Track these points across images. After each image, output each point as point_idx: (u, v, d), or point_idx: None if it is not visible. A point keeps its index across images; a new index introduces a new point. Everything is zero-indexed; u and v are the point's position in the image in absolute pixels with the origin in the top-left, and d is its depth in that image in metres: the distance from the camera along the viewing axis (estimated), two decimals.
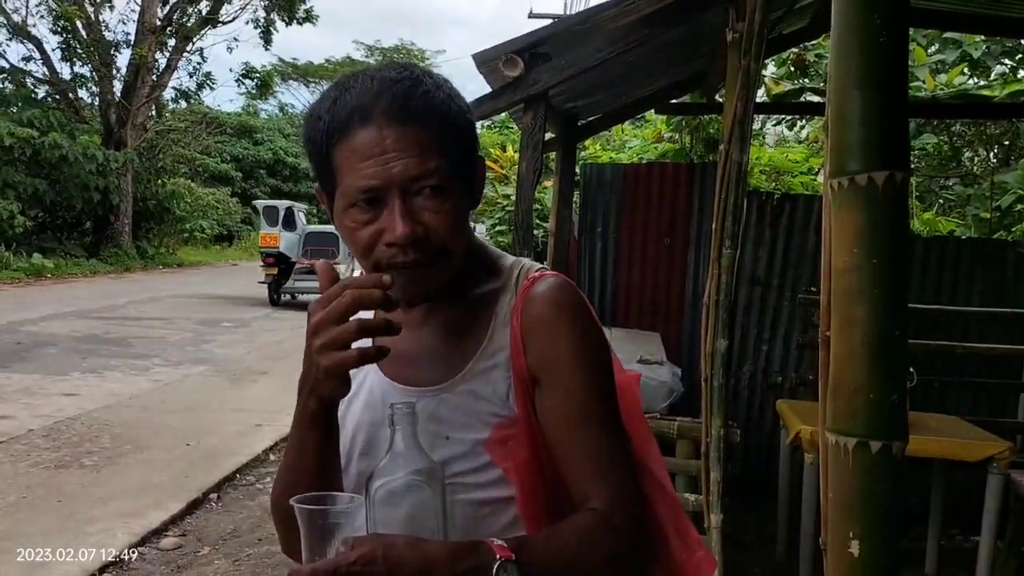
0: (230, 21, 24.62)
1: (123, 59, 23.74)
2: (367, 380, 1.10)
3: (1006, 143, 7.05)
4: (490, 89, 3.27)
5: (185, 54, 24.50)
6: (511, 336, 1.04)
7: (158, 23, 23.33)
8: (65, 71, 23.40)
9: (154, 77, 23.85)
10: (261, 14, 24.49)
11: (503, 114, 4.77)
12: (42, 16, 22.88)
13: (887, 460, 0.81)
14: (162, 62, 24.11)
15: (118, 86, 23.50)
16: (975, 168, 7.66)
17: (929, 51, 6.36)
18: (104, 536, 4.09)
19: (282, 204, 17.04)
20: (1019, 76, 6.36)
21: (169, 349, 9.88)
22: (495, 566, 0.87)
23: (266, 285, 15.51)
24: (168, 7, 23.60)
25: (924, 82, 5.95)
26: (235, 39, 27.06)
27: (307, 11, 24.74)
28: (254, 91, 26.70)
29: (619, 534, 0.98)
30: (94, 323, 11.61)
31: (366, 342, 0.92)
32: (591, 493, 1.00)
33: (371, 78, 0.99)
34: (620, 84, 4.60)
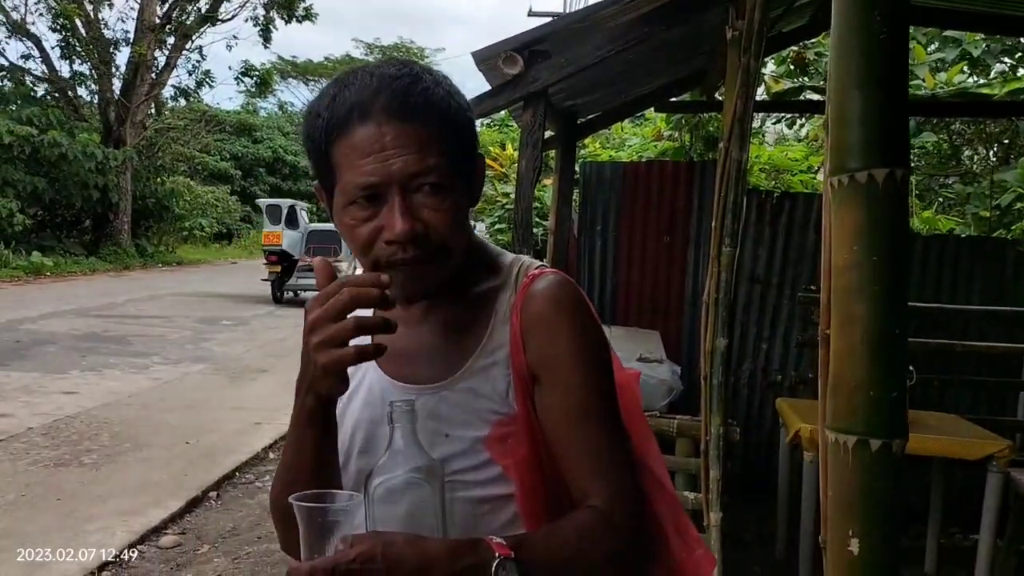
0: (229, 19, 24.63)
1: (122, 57, 23.77)
2: (366, 378, 1.10)
3: (1006, 141, 7.06)
4: (489, 87, 3.26)
5: (184, 52, 24.49)
6: (511, 333, 1.04)
7: (157, 21, 23.31)
8: (64, 69, 23.43)
9: (153, 75, 23.83)
10: (260, 12, 24.48)
11: (503, 112, 4.77)
12: (41, 14, 22.89)
13: (887, 458, 0.81)
14: (161, 60, 24.10)
15: (117, 84, 23.48)
16: (975, 166, 7.66)
17: (929, 49, 6.35)
18: (103, 534, 4.09)
19: (285, 203, 17.20)
20: (1019, 74, 6.36)
21: (168, 347, 9.87)
22: (494, 564, 0.87)
23: (269, 283, 15.71)
24: (167, 5, 23.58)
25: (924, 80, 5.95)
26: (234, 37, 27.20)
27: (306, 9, 24.71)
28: (253, 89, 26.69)
29: (618, 532, 0.98)
30: (93, 321, 11.60)
31: (364, 340, 0.92)
32: (591, 491, 1.00)
33: (370, 75, 0.99)
34: (620, 82, 4.60)
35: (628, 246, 5.25)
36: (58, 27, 22.54)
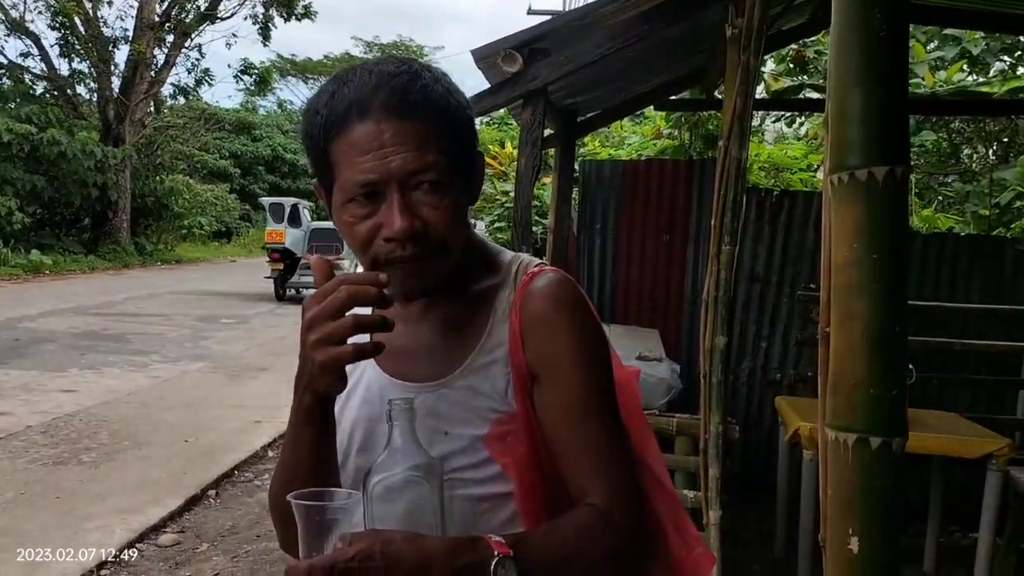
0: (228, 17, 24.61)
1: (121, 55, 23.77)
2: (365, 376, 1.09)
3: (1005, 140, 7.05)
4: (489, 85, 3.26)
5: (183, 50, 24.48)
6: (510, 331, 1.04)
7: (156, 19, 23.30)
8: (63, 67, 23.44)
9: (152, 73, 23.82)
10: (260, 10, 24.47)
11: (502, 110, 4.77)
12: (40, 12, 22.90)
13: (887, 456, 0.81)
14: (160, 58, 24.09)
15: (116, 82, 23.48)
16: (974, 165, 7.66)
17: (928, 48, 6.35)
18: (102, 533, 4.09)
19: (288, 201, 17.43)
20: (1018, 73, 6.36)
21: (168, 345, 9.87)
22: (493, 562, 0.86)
23: (272, 280, 15.98)
24: (167, 3, 23.58)
25: (923, 79, 5.95)
26: (234, 35, 27.19)
27: (305, 7, 24.69)
28: (252, 87, 26.69)
29: (618, 530, 0.98)
30: (92, 319, 11.60)
31: (362, 337, 0.91)
32: (590, 489, 1.00)
33: (369, 72, 0.99)
34: (619, 80, 4.59)
35: (627, 244, 5.25)
36: (57, 25, 22.54)
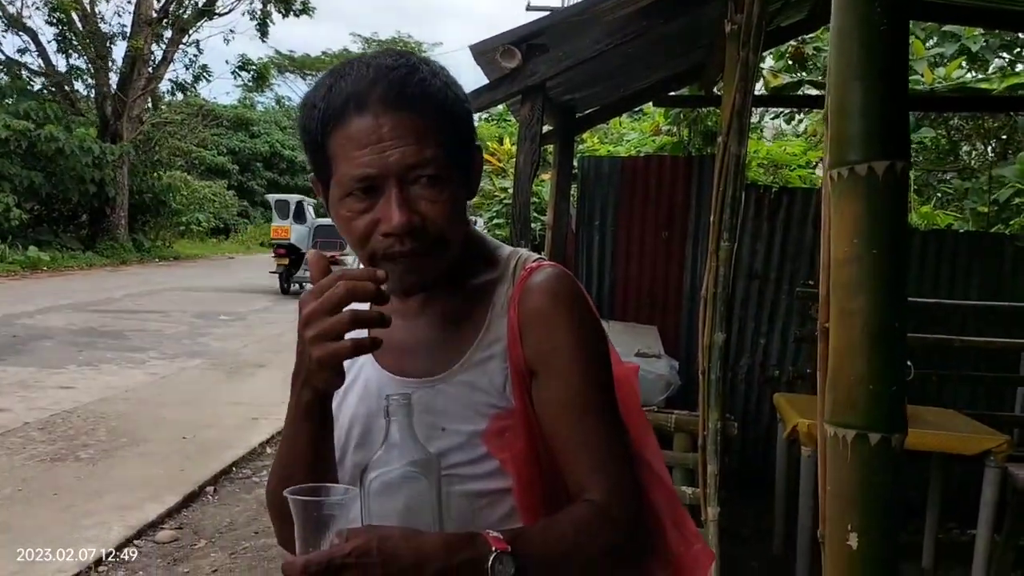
0: (226, 13, 24.60)
1: (119, 51, 23.74)
2: (362, 371, 1.09)
3: (1004, 137, 7.05)
4: (487, 81, 3.25)
5: (181, 46, 24.46)
6: (508, 327, 1.03)
7: (154, 15, 23.26)
8: (61, 63, 23.39)
9: (150, 69, 23.79)
10: (258, 6, 24.46)
11: (500, 107, 4.76)
12: (38, 8, 22.83)
13: (886, 452, 0.81)
14: (158, 54, 24.06)
15: (114, 78, 23.46)
16: (973, 162, 7.66)
17: (928, 44, 6.35)
18: (100, 529, 4.09)
19: (293, 198, 17.82)
20: (1017, 70, 6.36)
21: (165, 342, 9.86)
22: (491, 558, 0.86)
23: (277, 275, 16.45)
24: None
25: (922, 75, 5.95)
26: (231, 31, 27.04)
27: (304, 3, 24.66)
28: (250, 83, 26.69)
29: (616, 526, 0.98)
30: (90, 316, 11.59)
31: (360, 333, 0.91)
32: (588, 484, 0.99)
33: (367, 65, 0.98)
34: (618, 76, 4.58)
35: (626, 241, 5.24)
36: (55, 21, 22.49)
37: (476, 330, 1.05)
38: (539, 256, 1.11)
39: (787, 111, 7.78)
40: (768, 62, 6.73)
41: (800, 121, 8.32)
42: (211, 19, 24.48)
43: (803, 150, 7.75)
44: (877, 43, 0.81)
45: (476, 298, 1.07)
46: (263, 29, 24.71)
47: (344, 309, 0.89)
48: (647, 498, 1.08)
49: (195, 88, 25.92)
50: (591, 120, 6.01)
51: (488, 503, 1.02)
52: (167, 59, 24.14)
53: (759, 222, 4.96)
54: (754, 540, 4.06)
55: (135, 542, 4.02)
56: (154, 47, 23.77)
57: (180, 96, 26.44)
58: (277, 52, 38.39)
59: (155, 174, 25.04)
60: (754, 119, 7.38)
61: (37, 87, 23.13)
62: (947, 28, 6.18)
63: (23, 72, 22.78)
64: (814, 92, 6.02)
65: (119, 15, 30.90)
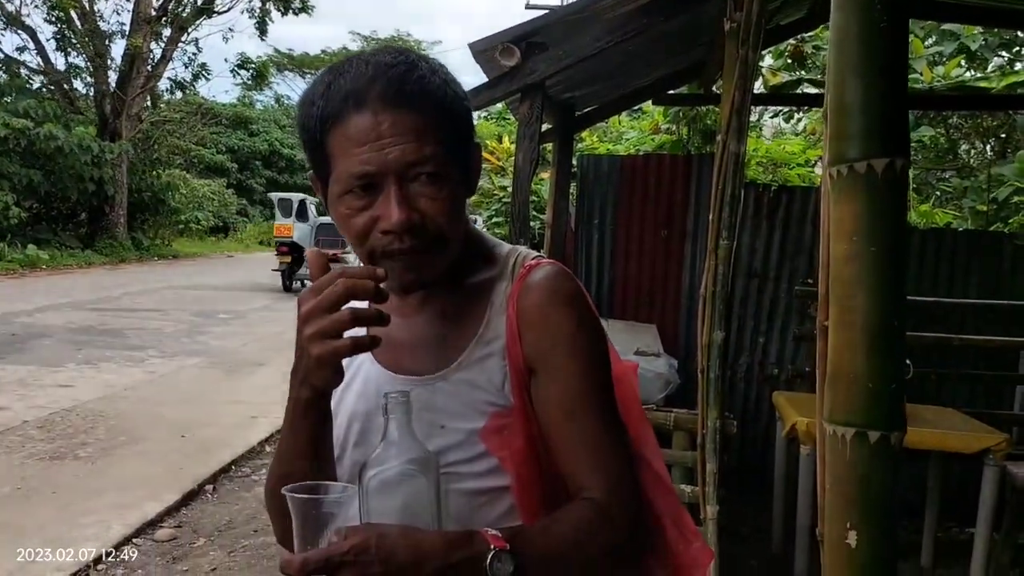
0: (225, 11, 24.58)
1: (118, 49, 23.77)
2: (361, 369, 1.09)
3: (1003, 136, 7.06)
4: (486, 79, 3.25)
5: (180, 44, 24.44)
6: (507, 324, 1.03)
7: (153, 13, 23.24)
8: (60, 62, 23.37)
9: (149, 67, 23.77)
10: (257, 4, 24.44)
11: (500, 105, 4.75)
12: (36, 6, 22.76)
13: (885, 450, 0.81)
14: (157, 52, 24.04)
15: (113, 77, 23.43)
16: (972, 160, 7.67)
17: (927, 43, 6.36)
18: (99, 528, 4.08)
19: (295, 197, 18.03)
20: (1016, 68, 6.36)
21: (164, 340, 9.86)
22: (489, 556, 0.86)
23: (280, 273, 16.72)
24: None
25: (921, 74, 5.95)
26: (230, 29, 27.07)
27: (303, 1, 24.64)
28: (250, 82, 26.68)
29: (616, 524, 0.98)
30: (89, 314, 11.58)
31: (359, 330, 0.91)
32: (587, 483, 0.99)
33: (366, 62, 0.97)
34: (617, 74, 4.58)
35: (625, 240, 5.24)
36: (53, 19, 22.47)
37: (475, 328, 1.04)
38: (538, 254, 1.11)
39: (786, 109, 7.78)
40: (767, 60, 6.73)
41: (799, 120, 8.32)
42: (210, 17, 24.47)
43: (802, 148, 7.76)
44: (877, 41, 0.81)
45: (475, 296, 1.07)
46: (262, 27, 24.70)
47: (343, 307, 0.88)
48: (646, 496, 1.08)
49: (194, 86, 25.93)
50: (590, 118, 6.01)
51: (487, 501, 1.02)
52: (166, 57, 24.12)
53: (758, 220, 4.96)
54: (753, 538, 4.06)
55: (134, 540, 4.02)
56: (153, 45, 23.76)
57: (179, 94, 26.44)
58: (276, 50, 38.36)
59: (154, 172, 25.02)
60: (753, 117, 7.38)
61: (36, 85, 23.12)
62: (946, 26, 6.18)
63: (22, 70, 22.79)
64: (813, 90, 6.02)
65: (118, 13, 30.80)
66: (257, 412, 6.50)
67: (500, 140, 13.44)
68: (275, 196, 18.96)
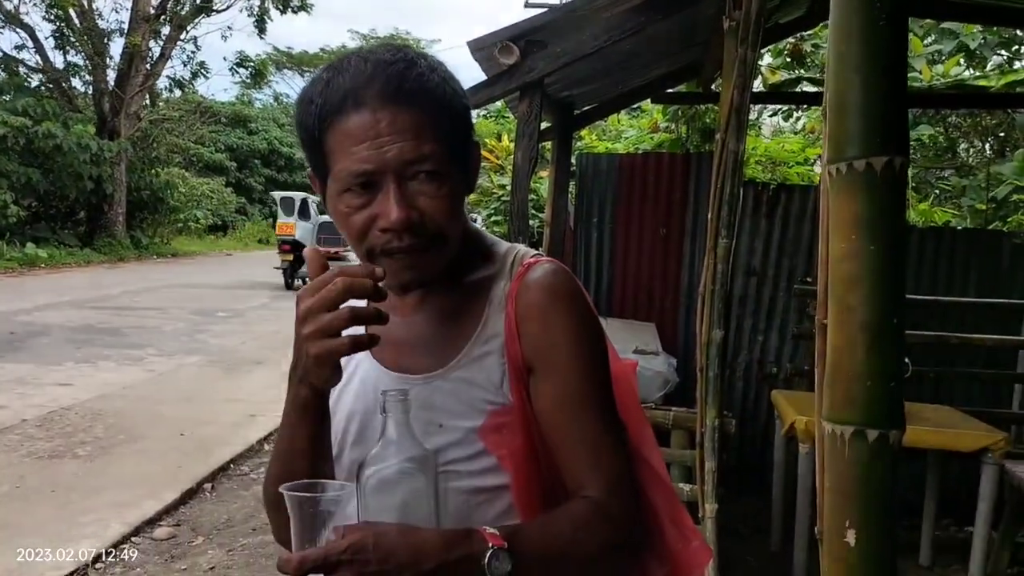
0: (224, 9, 24.52)
1: (117, 47, 23.67)
2: (360, 367, 1.09)
3: (1002, 134, 7.06)
4: (485, 77, 3.25)
5: (179, 42, 24.40)
6: (506, 323, 1.03)
7: (152, 11, 23.20)
8: (58, 60, 23.33)
9: (148, 66, 23.73)
10: (256, 2, 24.39)
11: (499, 103, 4.75)
12: (35, 4, 22.70)
13: (884, 449, 0.81)
14: (156, 51, 24.01)
15: (112, 75, 23.39)
16: (971, 159, 7.67)
17: (926, 41, 6.36)
18: (98, 526, 4.08)
19: (298, 195, 18.19)
20: (1015, 67, 6.36)
21: (163, 339, 9.85)
22: (487, 554, 0.86)
23: (281, 271, 16.91)
24: None
25: (920, 72, 5.95)
26: (229, 28, 27.03)
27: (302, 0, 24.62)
28: (248, 80, 26.67)
29: (614, 522, 0.98)
30: (88, 313, 11.57)
31: (357, 329, 0.90)
32: (586, 481, 0.99)
33: (364, 60, 0.97)
34: (616, 72, 4.58)
35: (624, 238, 5.24)
36: (52, 17, 22.43)
37: (474, 326, 1.04)
38: (537, 252, 1.11)
39: (785, 108, 7.78)
40: (766, 59, 6.72)
41: (798, 118, 8.32)
42: (209, 16, 24.43)
43: (801, 147, 7.75)
44: (876, 39, 0.81)
45: (474, 294, 1.06)
46: (261, 26, 24.66)
47: (342, 306, 0.88)
48: (645, 495, 1.08)
49: (193, 85, 25.90)
50: (589, 117, 6.01)
51: (485, 499, 1.02)
52: (165, 56, 24.09)
53: (757, 219, 4.96)
54: (752, 537, 4.06)
55: (133, 539, 4.02)
56: (152, 44, 23.72)
57: (178, 93, 26.39)
58: (275, 49, 38.37)
59: (153, 171, 24.99)
60: (752, 116, 7.38)
61: (35, 84, 23.07)
62: (945, 25, 6.18)
63: (20, 68, 22.73)
64: (812, 89, 6.02)
65: (117, 11, 30.86)
66: (256, 410, 6.50)
67: (499, 138, 13.43)
68: (277, 195, 19.12)
